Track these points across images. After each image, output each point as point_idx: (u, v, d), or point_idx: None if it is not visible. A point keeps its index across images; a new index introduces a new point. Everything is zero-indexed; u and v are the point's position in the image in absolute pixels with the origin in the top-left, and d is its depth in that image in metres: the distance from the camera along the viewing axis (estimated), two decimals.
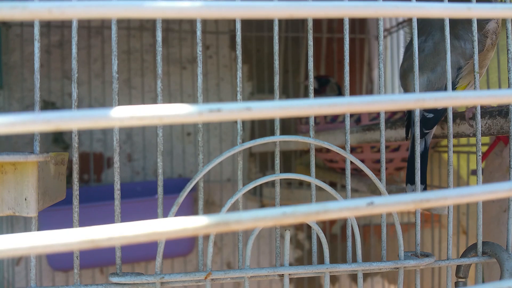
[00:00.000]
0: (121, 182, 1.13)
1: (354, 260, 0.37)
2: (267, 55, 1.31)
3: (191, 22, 1.28)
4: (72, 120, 0.20)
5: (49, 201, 0.37)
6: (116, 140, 0.34)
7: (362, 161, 0.82)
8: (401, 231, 0.36)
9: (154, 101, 1.25)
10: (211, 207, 1.27)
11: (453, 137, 0.48)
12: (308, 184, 1.19)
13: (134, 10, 0.22)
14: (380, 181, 0.35)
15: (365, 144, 0.77)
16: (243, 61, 1.32)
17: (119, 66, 1.15)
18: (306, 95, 1.32)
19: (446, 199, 0.24)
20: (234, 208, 1.34)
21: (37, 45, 0.33)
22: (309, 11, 0.24)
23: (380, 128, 0.37)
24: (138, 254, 0.98)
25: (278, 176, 0.34)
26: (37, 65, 0.33)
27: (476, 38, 0.40)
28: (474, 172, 0.89)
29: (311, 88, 0.37)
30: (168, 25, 1.26)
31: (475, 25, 0.41)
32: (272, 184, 1.26)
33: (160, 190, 0.35)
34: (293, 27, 1.32)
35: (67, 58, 1.21)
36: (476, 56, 0.39)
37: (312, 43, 0.39)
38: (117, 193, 0.33)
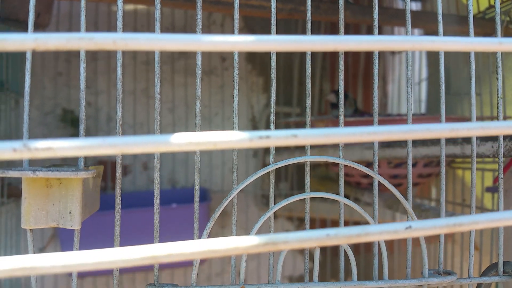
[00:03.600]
0: (136, 191, 1.15)
1: (381, 277, 0.38)
2: (282, 68, 1.33)
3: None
4: (135, 145, 0.22)
5: (88, 213, 0.38)
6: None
7: None
8: (426, 249, 0.37)
9: (170, 111, 1.27)
10: (224, 217, 1.28)
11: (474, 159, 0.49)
12: (323, 198, 1.21)
13: (192, 43, 0.24)
14: (407, 200, 0.37)
15: (383, 159, 0.78)
16: (259, 73, 1.34)
17: (137, 76, 1.17)
18: (320, 107, 1.33)
19: (477, 224, 0.26)
20: (247, 220, 1.34)
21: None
22: (356, 44, 0.25)
23: (407, 150, 0.39)
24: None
25: (308, 195, 0.36)
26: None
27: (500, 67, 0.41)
28: (488, 189, 0.90)
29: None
30: None
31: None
32: (285, 195, 1.28)
33: (196, 205, 0.36)
34: None
35: (87, 66, 1.23)
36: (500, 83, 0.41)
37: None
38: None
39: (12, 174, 0.30)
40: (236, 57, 0.38)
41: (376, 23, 0.40)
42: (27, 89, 0.33)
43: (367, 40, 0.26)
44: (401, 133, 0.25)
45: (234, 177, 0.37)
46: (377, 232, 0.23)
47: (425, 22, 0.89)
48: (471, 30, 0.43)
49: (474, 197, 0.40)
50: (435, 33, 1.16)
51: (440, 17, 0.42)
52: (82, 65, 0.35)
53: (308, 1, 0.39)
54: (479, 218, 0.26)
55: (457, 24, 0.92)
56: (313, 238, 0.23)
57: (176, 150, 0.23)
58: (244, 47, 0.24)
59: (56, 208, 0.34)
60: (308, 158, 0.36)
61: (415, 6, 1.22)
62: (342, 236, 0.23)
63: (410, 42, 0.27)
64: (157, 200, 0.35)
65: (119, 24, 0.36)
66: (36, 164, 0.36)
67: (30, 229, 0.34)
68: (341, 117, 0.38)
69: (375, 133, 0.25)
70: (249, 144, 0.24)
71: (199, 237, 0.35)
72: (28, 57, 0.34)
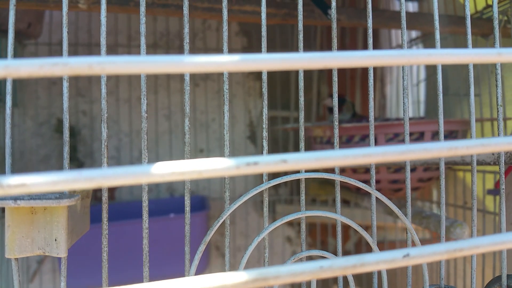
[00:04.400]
0: (134, 200, 1.13)
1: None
2: (279, 72, 1.32)
3: (204, 40, 1.29)
4: (114, 177, 0.21)
5: (76, 237, 0.37)
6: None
7: (378, 181, 0.82)
8: (426, 267, 0.36)
9: (167, 118, 1.26)
10: (224, 225, 1.26)
11: (472, 165, 0.48)
12: (322, 201, 1.19)
13: (174, 65, 0.22)
14: (406, 216, 0.35)
15: (382, 165, 0.77)
16: (256, 77, 1.33)
17: (133, 83, 1.15)
18: (318, 111, 1.32)
19: (479, 248, 0.25)
20: (247, 226, 1.32)
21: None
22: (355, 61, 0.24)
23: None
24: (160, 273, 0.98)
25: (304, 214, 0.34)
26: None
27: (499, 72, 0.40)
28: (489, 192, 0.88)
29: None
30: (181, 43, 1.27)
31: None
32: (285, 201, 1.26)
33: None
34: (306, 44, 1.32)
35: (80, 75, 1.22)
36: (499, 90, 0.39)
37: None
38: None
39: None
40: (226, 74, 0.37)
41: (370, 31, 0.39)
42: (8, 111, 0.32)
43: (360, 56, 0.24)
44: (397, 154, 0.24)
45: (226, 197, 0.36)
46: (374, 262, 0.22)
47: (422, 24, 0.87)
48: (469, 36, 0.42)
49: (475, 211, 0.39)
50: (432, 34, 1.14)
51: (436, 23, 0.40)
52: (65, 84, 0.34)
53: (299, 11, 0.38)
54: (480, 241, 0.24)
55: (454, 24, 0.91)
56: (306, 272, 0.21)
57: (159, 181, 0.21)
58: (230, 67, 0.23)
59: (41, 235, 0.33)
60: (303, 175, 0.35)
61: (412, 7, 1.21)
62: (337, 268, 0.22)
63: (405, 57, 0.25)
64: (146, 224, 0.33)
65: (103, 40, 0.34)
66: None
67: (15, 259, 0.33)
68: (336, 130, 0.37)
69: (369, 155, 0.24)
70: (236, 172, 0.22)
71: (191, 259, 0.33)
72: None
